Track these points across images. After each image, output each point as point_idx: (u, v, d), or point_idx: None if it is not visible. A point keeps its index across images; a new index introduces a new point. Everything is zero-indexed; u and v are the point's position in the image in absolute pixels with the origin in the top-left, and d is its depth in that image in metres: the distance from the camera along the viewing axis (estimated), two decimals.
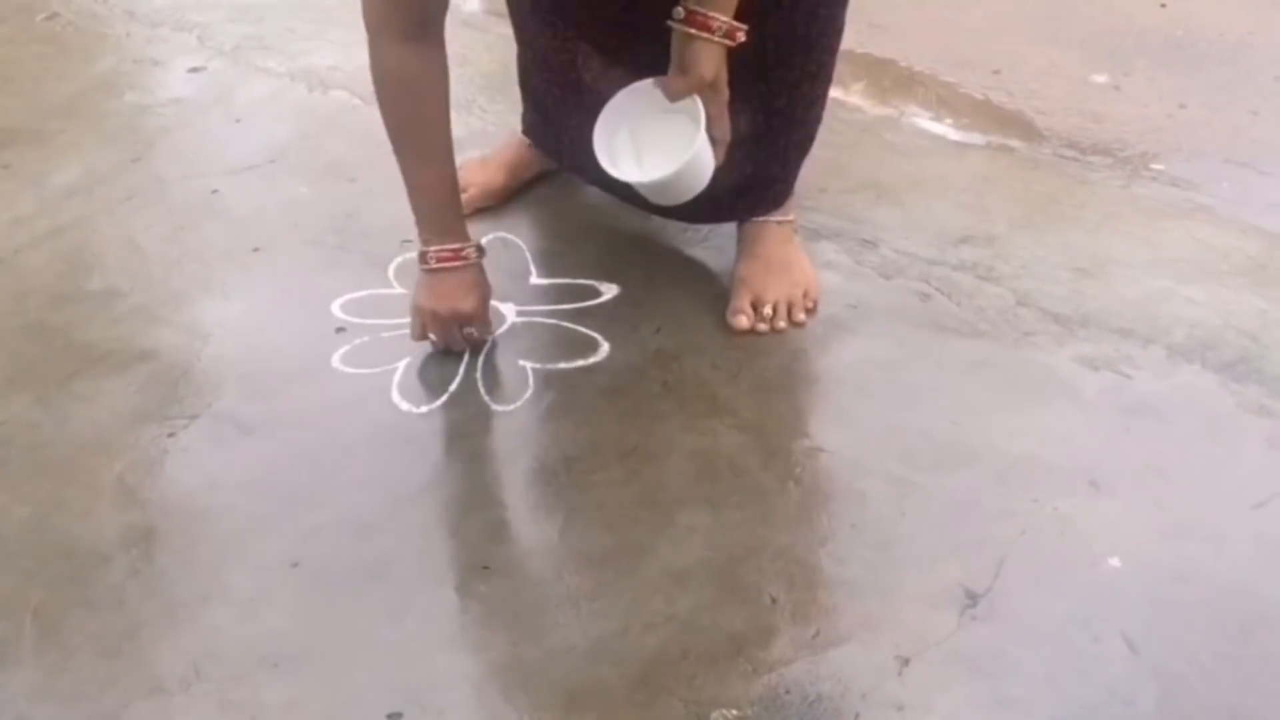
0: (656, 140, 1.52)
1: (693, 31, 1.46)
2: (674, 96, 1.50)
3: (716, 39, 1.46)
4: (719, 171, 1.53)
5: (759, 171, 1.71)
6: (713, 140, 1.52)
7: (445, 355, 1.69)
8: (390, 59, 1.55)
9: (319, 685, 1.31)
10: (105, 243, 1.93)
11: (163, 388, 1.66)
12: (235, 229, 1.95)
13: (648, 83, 1.53)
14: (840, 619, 1.35)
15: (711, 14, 1.45)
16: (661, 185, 1.52)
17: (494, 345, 1.71)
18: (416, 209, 1.62)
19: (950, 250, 1.84)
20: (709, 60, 1.47)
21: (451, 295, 1.63)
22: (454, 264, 1.62)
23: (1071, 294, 1.75)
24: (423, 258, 1.62)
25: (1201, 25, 2.40)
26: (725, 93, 1.51)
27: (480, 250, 1.65)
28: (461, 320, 1.65)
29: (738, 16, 1.47)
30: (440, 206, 1.62)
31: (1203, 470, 1.50)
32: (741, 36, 1.48)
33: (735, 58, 1.50)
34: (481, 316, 1.67)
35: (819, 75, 1.66)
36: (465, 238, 1.64)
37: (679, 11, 1.46)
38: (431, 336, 1.67)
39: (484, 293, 1.66)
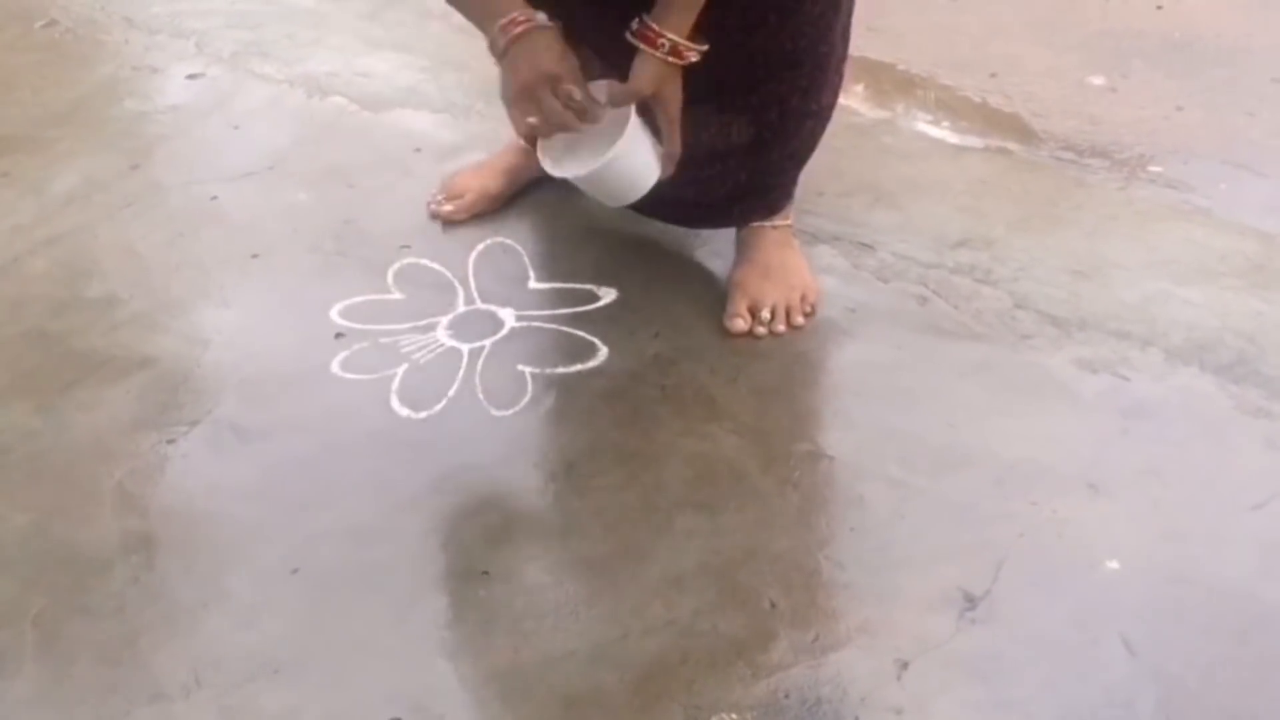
0: (599, 142, 1.54)
1: (639, 45, 1.49)
2: (613, 103, 1.53)
3: (659, 55, 1.48)
4: (713, 180, 1.53)
5: (754, 180, 1.72)
6: (666, 153, 1.55)
7: (442, 360, 1.69)
8: None
9: (319, 691, 1.31)
10: (104, 250, 1.93)
11: (162, 395, 1.67)
12: (234, 235, 1.95)
13: (601, 84, 1.55)
14: (839, 623, 1.35)
15: (660, 30, 1.47)
16: (591, 182, 1.56)
17: (492, 350, 1.72)
18: (474, 9, 1.54)
19: (948, 253, 1.84)
20: (649, 74, 1.49)
21: (530, 60, 1.50)
22: (522, 27, 1.49)
23: (1069, 296, 1.75)
24: (493, 48, 1.52)
25: (1198, 27, 2.40)
26: (673, 107, 1.53)
27: (549, 20, 1.52)
28: (549, 80, 1.50)
29: (721, 31, 1.48)
30: None
31: (1201, 472, 1.50)
32: (693, 57, 1.49)
33: (725, 70, 1.51)
34: (571, 75, 1.50)
35: (811, 90, 1.65)
36: (529, 9, 1.51)
37: (635, 23, 1.48)
38: (532, 120, 1.54)
39: (565, 50, 1.51)
